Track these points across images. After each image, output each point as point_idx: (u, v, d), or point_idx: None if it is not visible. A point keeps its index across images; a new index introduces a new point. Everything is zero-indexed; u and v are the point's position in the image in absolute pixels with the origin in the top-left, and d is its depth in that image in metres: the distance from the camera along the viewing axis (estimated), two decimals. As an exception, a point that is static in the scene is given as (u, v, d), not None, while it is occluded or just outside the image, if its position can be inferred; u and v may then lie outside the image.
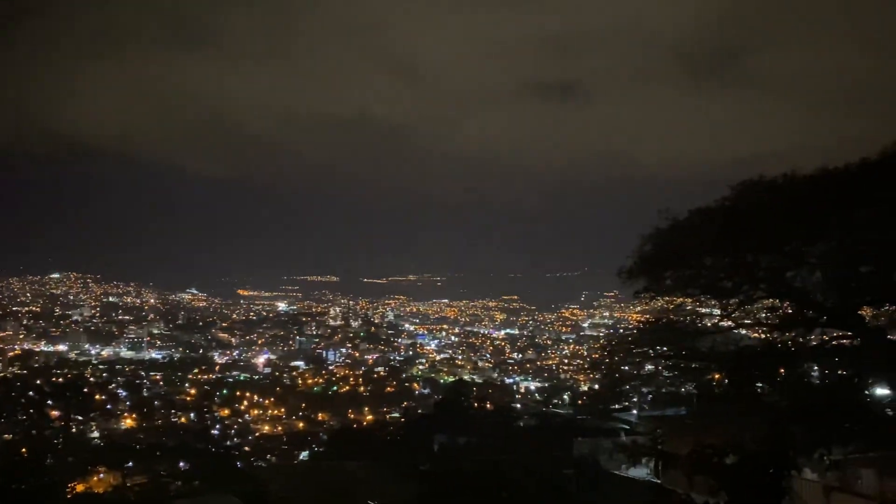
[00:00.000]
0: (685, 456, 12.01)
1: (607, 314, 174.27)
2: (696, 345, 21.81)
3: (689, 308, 22.48)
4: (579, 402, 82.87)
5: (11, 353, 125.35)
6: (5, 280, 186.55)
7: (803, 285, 19.44)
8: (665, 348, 23.07)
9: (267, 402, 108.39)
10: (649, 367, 25.30)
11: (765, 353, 21.06)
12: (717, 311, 22.01)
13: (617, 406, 45.15)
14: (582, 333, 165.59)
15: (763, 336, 22.62)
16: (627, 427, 38.98)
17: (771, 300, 21.19)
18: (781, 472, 11.82)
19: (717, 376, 23.54)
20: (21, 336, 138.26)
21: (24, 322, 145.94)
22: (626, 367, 24.95)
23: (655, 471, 13.07)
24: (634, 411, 44.70)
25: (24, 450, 47.56)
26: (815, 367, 22.33)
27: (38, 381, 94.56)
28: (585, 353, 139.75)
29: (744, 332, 22.16)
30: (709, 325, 22.22)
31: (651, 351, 23.61)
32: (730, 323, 21.49)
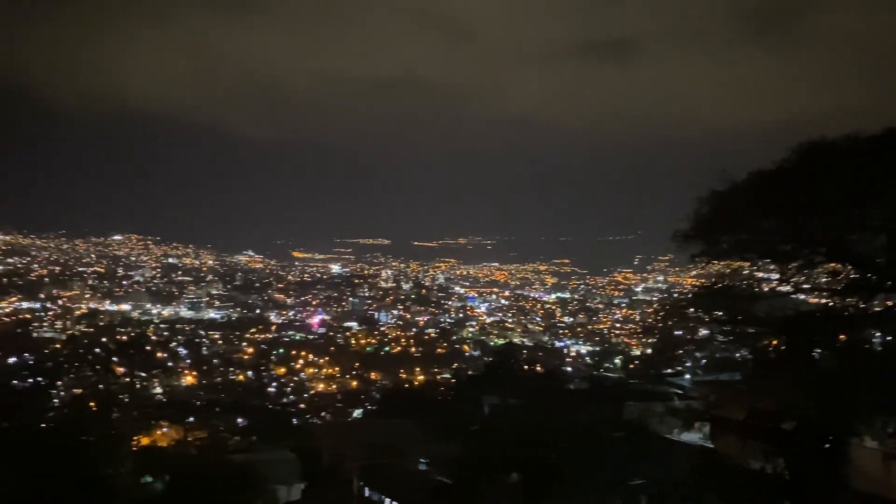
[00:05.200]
0: (740, 421, 11.86)
1: (661, 278, 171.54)
2: (752, 309, 21.35)
3: (746, 272, 21.98)
4: (631, 366, 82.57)
5: (78, 312, 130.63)
6: (71, 241, 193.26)
7: (866, 250, 18.78)
8: (720, 313, 22.66)
9: (321, 361, 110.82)
10: (703, 331, 24.91)
11: (824, 319, 20.50)
12: (775, 276, 21.47)
13: (669, 370, 44.71)
14: (634, 297, 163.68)
15: (823, 301, 22.01)
16: (680, 392, 38.63)
17: (832, 265, 20.56)
18: (840, 438, 11.60)
19: (773, 342, 23.07)
20: (87, 295, 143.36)
21: (90, 282, 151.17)
22: (680, 332, 24.63)
23: (712, 436, 12.90)
24: (687, 376, 44.22)
25: (91, 404, 49.66)
26: (877, 334, 21.69)
27: (104, 339, 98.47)
28: (638, 318, 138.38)
29: (803, 296, 21.59)
30: (766, 289, 21.70)
31: (706, 315, 23.23)
32: (788, 287, 20.93)
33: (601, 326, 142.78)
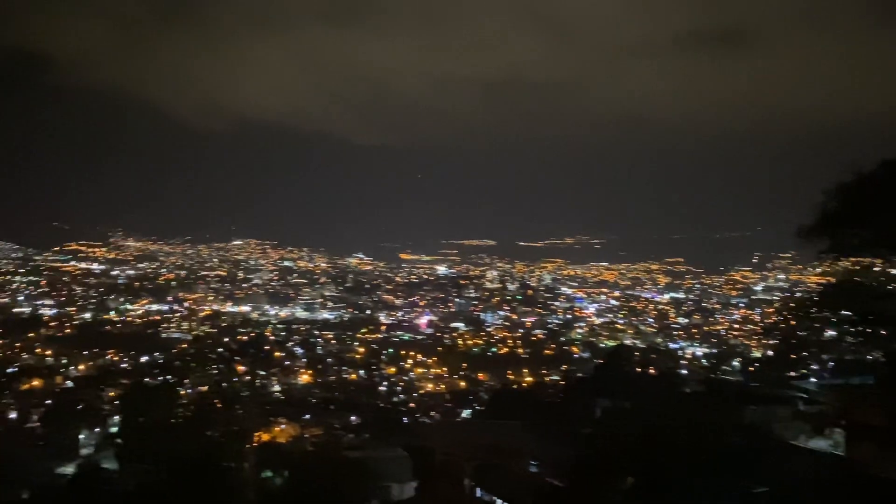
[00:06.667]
0: (879, 428, 11.02)
1: (783, 277, 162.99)
2: (886, 309, 19.97)
3: (877, 269, 20.58)
4: (750, 368, 78.95)
5: (202, 314, 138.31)
6: (195, 247, 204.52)
7: None
8: (849, 312, 21.30)
9: (429, 361, 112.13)
10: (830, 332, 23.48)
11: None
12: (911, 273, 20.00)
13: (793, 373, 42.38)
14: (754, 297, 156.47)
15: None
16: (805, 396, 36.52)
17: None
18: None
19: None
20: (210, 298, 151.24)
21: (213, 285, 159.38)
22: (804, 333, 23.38)
23: (846, 444, 12.03)
24: (813, 379, 41.75)
25: (216, 401, 52.16)
26: None
27: (226, 339, 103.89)
28: (758, 318, 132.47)
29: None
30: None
31: (833, 315, 21.89)
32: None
33: (718, 327, 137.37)
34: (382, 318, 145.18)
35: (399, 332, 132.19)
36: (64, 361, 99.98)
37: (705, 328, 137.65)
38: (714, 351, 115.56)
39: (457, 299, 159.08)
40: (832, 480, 11.50)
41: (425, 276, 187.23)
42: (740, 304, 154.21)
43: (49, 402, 71.27)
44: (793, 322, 23.18)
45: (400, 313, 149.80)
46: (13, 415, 70.11)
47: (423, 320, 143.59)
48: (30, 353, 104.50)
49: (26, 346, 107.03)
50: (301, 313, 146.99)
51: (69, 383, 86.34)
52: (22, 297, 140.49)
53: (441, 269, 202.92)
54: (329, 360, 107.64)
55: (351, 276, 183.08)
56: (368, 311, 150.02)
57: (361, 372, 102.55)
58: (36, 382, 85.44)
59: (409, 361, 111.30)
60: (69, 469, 39.35)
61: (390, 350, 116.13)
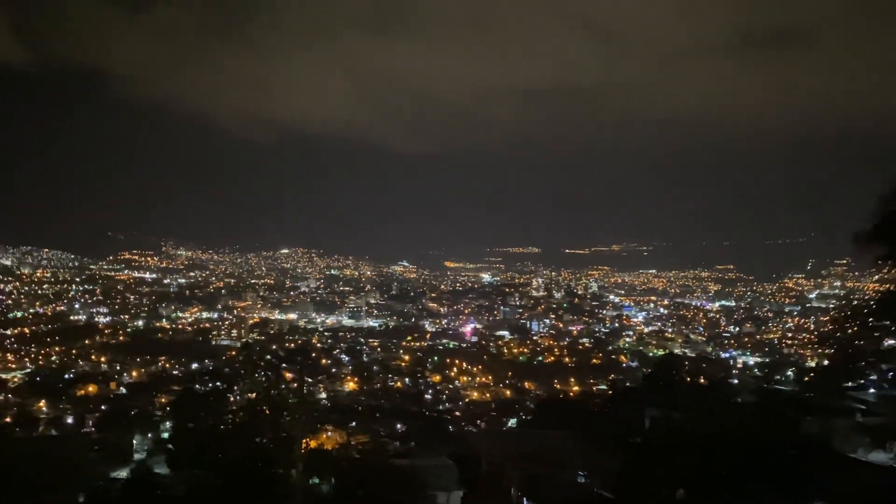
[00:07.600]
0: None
1: (838, 284, 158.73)
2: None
3: (941, 276, 19.85)
4: (805, 378, 76.83)
5: (251, 321, 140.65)
6: (244, 256, 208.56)
7: None
8: (910, 321, 20.58)
9: (475, 369, 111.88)
10: (890, 341, 22.73)
11: None
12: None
13: (851, 384, 41.03)
14: (808, 305, 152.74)
15: None
16: (864, 407, 35.32)
17: None
18: None
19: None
20: (258, 306, 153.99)
21: (261, 293, 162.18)
22: (862, 342, 22.66)
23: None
24: (872, 390, 40.38)
25: (264, 408, 52.69)
26: None
27: (274, 346, 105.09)
28: (812, 327, 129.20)
29: None
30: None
31: (892, 324, 21.19)
32: None
33: (771, 336, 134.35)
34: (427, 325, 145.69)
35: (444, 340, 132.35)
36: (118, 368, 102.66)
37: (757, 337, 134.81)
38: (767, 360, 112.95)
39: (502, 307, 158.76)
40: (893, 495, 11.04)
41: (470, 284, 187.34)
42: (794, 312, 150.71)
43: (104, 407, 73.27)
44: (850, 331, 22.46)
45: (444, 321, 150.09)
46: (70, 419, 72.26)
47: (467, 328, 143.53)
48: (85, 359, 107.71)
49: (82, 353, 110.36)
50: (347, 321, 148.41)
51: (123, 389, 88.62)
52: (78, 305, 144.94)
53: (486, 277, 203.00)
54: (375, 367, 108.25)
55: (396, 283, 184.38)
56: (413, 319, 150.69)
57: (407, 379, 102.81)
58: (91, 388, 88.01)
59: (455, 369, 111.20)
60: (123, 473, 40.20)
61: (435, 358, 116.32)
